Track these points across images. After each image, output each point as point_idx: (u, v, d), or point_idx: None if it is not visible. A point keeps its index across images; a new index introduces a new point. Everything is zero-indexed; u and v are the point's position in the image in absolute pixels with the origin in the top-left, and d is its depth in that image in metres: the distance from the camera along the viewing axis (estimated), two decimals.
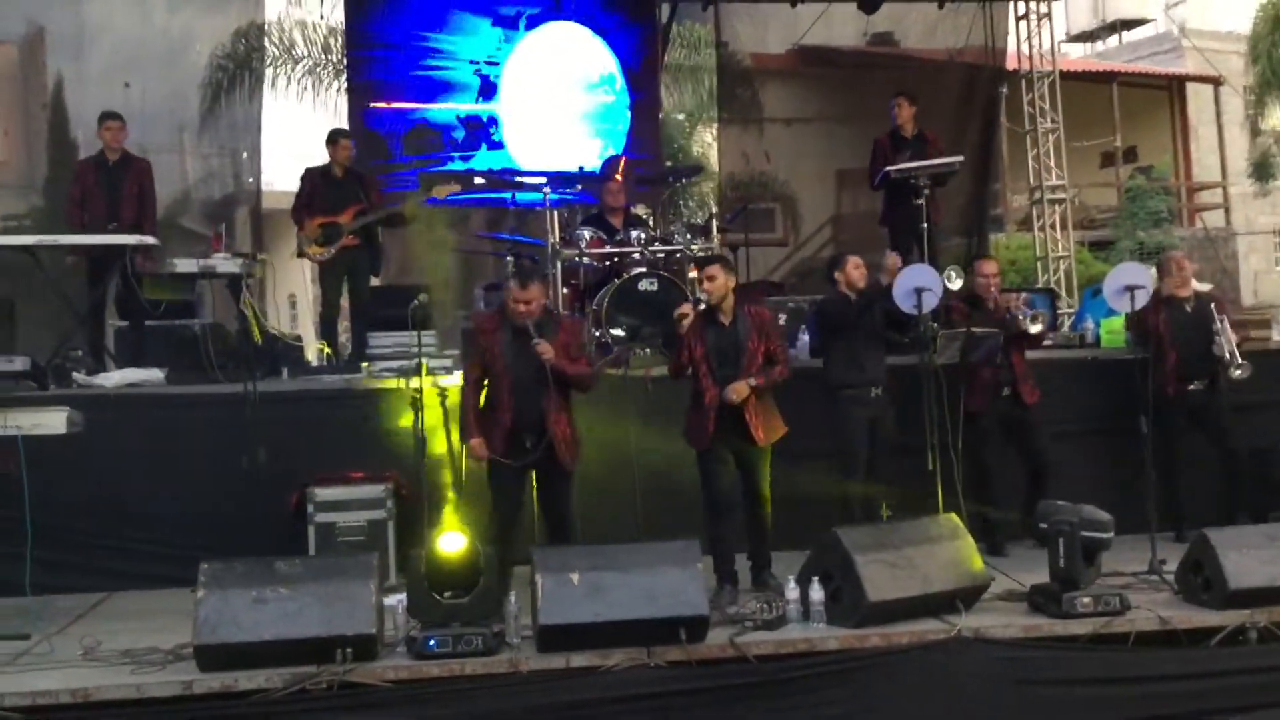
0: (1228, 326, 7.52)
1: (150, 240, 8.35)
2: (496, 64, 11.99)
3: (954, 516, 6.37)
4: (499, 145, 12.01)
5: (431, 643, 5.39)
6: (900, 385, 7.17)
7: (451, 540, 5.57)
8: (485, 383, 6.45)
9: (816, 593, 5.84)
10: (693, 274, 8.87)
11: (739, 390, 6.44)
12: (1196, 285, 7.99)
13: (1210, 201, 21.71)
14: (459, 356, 8.69)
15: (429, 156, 11.73)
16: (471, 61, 11.96)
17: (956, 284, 7.06)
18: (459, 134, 11.96)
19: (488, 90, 11.98)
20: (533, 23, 12.04)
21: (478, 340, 6.59)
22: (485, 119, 12.00)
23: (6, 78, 11.78)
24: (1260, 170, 20.28)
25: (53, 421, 6.21)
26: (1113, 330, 8.87)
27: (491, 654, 5.43)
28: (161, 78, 11.03)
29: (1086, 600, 5.80)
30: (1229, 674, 5.77)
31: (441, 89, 11.92)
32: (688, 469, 6.76)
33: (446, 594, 5.52)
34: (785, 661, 5.59)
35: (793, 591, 5.91)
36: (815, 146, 13.40)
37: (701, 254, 8.31)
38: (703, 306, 6.74)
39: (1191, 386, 7.55)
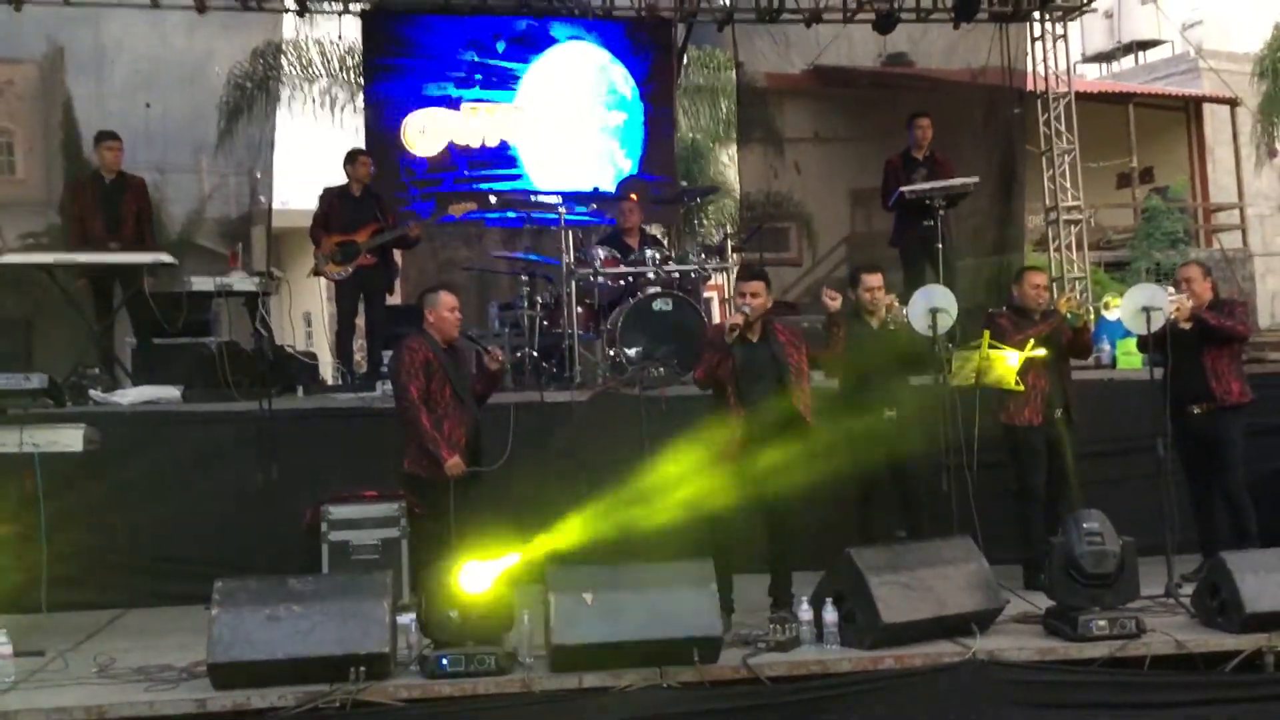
0: (1183, 297, 6.96)
1: (166, 258, 8.40)
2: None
3: (968, 538, 6.35)
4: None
5: (444, 662, 5.39)
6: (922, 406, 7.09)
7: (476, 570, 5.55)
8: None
9: (830, 614, 5.82)
10: (708, 292, 8.89)
11: None
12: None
13: (1227, 223, 21.63)
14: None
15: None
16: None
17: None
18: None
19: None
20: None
21: None
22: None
23: (27, 97, 11.87)
24: None
25: (70, 439, 6.25)
26: (1128, 351, 8.82)
27: (504, 673, 5.42)
28: (180, 97, 11.11)
29: (1102, 623, 5.77)
30: (1245, 700, 5.72)
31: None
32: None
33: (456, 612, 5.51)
34: (798, 683, 5.56)
35: (806, 613, 5.89)
36: (831, 166, 13.43)
37: (749, 267, 8.09)
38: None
39: (1195, 410, 7.07)
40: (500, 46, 11.95)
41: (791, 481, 6.46)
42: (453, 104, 11.85)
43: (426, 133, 11.77)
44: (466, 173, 11.77)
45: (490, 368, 6.72)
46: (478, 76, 11.92)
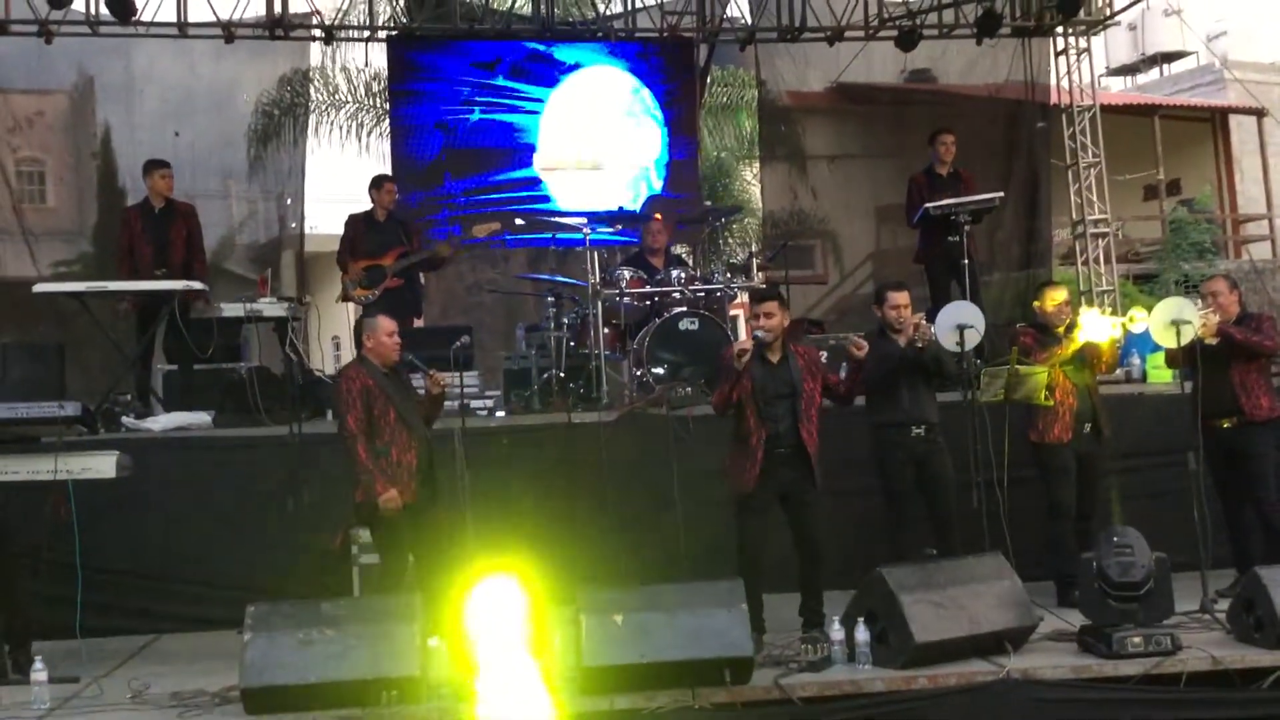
0: (1209, 312, 6.92)
1: (197, 285, 8.46)
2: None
3: (1000, 555, 6.31)
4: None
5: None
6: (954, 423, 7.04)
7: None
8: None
9: (862, 633, 5.79)
10: (734, 311, 8.89)
11: None
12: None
13: (1256, 233, 21.47)
14: (500, 397, 8.78)
15: None
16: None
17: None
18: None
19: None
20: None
21: None
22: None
23: (57, 126, 11.99)
24: None
25: (102, 465, 6.28)
26: (1159, 365, 8.76)
27: None
28: (209, 125, 11.23)
29: (1137, 640, 5.72)
30: None
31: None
32: (731, 508, 6.73)
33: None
34: (830, 704, 5.55)
35: (838, 632, 5.86)
36: (855, 183, 13.38)
37: (760, 288, 8.15)
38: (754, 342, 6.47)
39: (1224, 424, 7.00)
40: (518, 70, 11.96)
41: (817, 500, 6.46)
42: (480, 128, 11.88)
43: None
44: (462, 199, 11.77)
45: (432, 391, 6.58)
46: (494, 99, 11.94)
